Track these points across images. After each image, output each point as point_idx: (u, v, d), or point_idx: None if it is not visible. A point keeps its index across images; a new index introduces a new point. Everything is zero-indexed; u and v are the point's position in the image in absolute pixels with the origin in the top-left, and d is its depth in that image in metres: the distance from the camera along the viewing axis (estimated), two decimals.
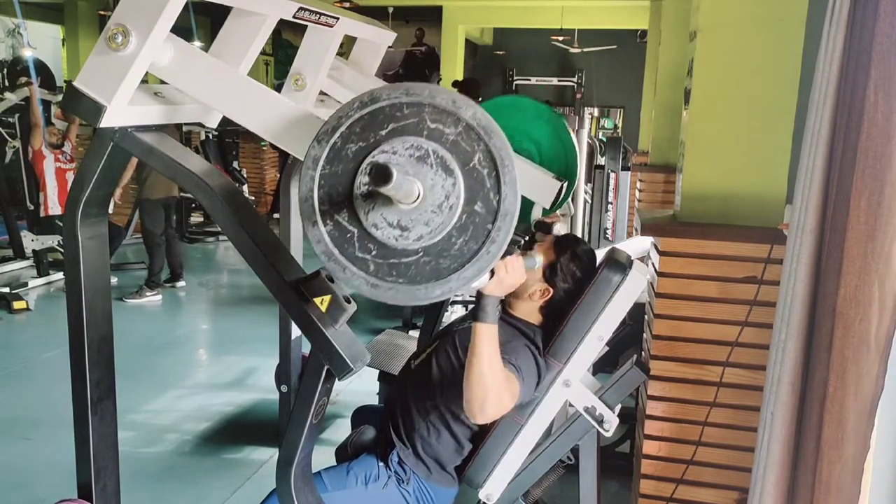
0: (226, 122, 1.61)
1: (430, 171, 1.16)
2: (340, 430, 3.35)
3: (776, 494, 1.56)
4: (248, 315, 5.71)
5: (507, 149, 1.16)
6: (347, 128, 1.20)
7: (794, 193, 1.55)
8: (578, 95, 12.51)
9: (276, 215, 8.67)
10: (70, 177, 6.22)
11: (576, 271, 1.85)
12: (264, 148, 10.38)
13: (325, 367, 1.38)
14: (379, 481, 1.86)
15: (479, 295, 1.59)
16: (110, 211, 5.42)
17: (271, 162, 10.60)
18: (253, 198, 10.02)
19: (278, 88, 2.03)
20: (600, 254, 1.94)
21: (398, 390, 1.97)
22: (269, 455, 3.36)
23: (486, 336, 1.58)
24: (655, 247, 2.30)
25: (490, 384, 1.58)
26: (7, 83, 9.14)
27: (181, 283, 6.38)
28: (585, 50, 11.32)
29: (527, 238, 2.11)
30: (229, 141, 9.45)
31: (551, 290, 1.85)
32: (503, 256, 1.25)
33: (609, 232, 5.44)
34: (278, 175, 10.19)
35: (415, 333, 3.78)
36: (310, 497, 1.58)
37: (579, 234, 4.23)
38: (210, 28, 10.34)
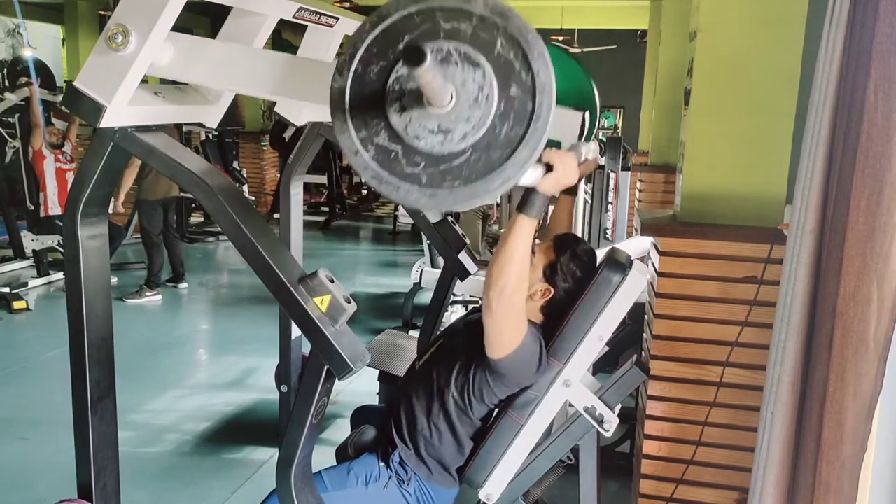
0: (226, 122, 1.61)
1: (458, 70, 1.15)
2: (340, 430, 3.35)
3: (776, 494, 1.56)
4: (248, 315, 5.71)
5: (527, 26, 1.15)
6: (365, 51, 1.19)
7: (794, 193, 1.55)
8: None
9: (276, 215, 8.67)
10: (70, 177, 6.22)
11: (576, 271, 1.85)
12: (264, 148, 10.38)
13: (325, 367, 1.38)
14: (380, 481, 1.86)
15: (531, 190, 1.56)
16: (110, 211, 5.43)
17: (271, 162, 10.60)
18: (253, 198, 10.03)
19: None
20: (600, 254, 1.94)
21: (402, 391, 1.96)
22: (269, 455, 3.36)
23: (528, 228, 1.57)
24: (655, 247, 2.30)
25: (515, 272, 1.58)
26: (7, 83, 9.15)
27: (183, 285, 6.38)
28: (585, 50, 11.31)
29: None
30: (229, 141, 9.46)
31: (552, 290, 1.85)
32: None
33: (609, 232, 5.45)
34: (278, 175, 10.19)
35: (415, 333, 3.78)
36: (310, 497, 1.58)
37: (579, 234, 4.24)
38: (210, 28, 10.34)
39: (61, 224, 5.09)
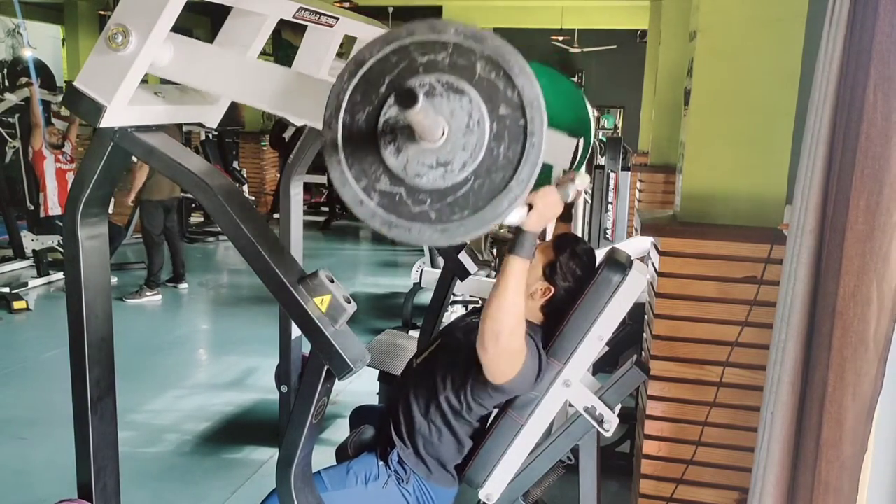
0: (226, 121, 1.61)
1: (443, 101, 1.15)
2: (340, 430, 3.35)
3: (776, 494, 1.56)
4: (248, 315, 5.71)
5: (504, 45, 1.15)
6: (349, 101, 1.20)
7: (794, 193, 1.55)
8: None
9: (276, 215, 8.67)
10: (70, 177, 6.22)
11: (576, 269, 1.85)
12: (264, 148, 10.38)
13: (325, 367, 1.38)
14: (379, 480, 1.86)
15: (518, 230, 1.58)
16: (110, 211, 5.43)
17: (271, 162, 10.60)
18: (253, 198, 10.03)
19: None
20: (600, 254, 1.94)
21: (400, 390, 1.96)
22: (269, 455, 3.36)
23: (519, 269, 1.58)
24: (655, 247, 2.30)
25: (510, 317, 1.58)
26: (7, 83, 9.14)
27: (184, 285, 6.38)
28: (585, 50, 11.31)
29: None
30: (229, 141, 9.46)
31: (552, 289, 1.85)
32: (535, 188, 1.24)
33: (609, 232, 5.45)
34: (278, 175, 10.19)
35: (415, 333, 3.78)
36: (310, 497, 1.58)
37: (579, 235, 4.24)
38: (210, 28, 10.34)
39: (61, 224, 5.10)
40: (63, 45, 10.29)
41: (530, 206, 1.53)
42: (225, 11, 1.61)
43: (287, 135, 8.60)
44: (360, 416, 2.22)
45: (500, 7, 10.16)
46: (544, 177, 2.11)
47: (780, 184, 2.16)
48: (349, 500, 1.83)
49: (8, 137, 7.04)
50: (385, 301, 6.23)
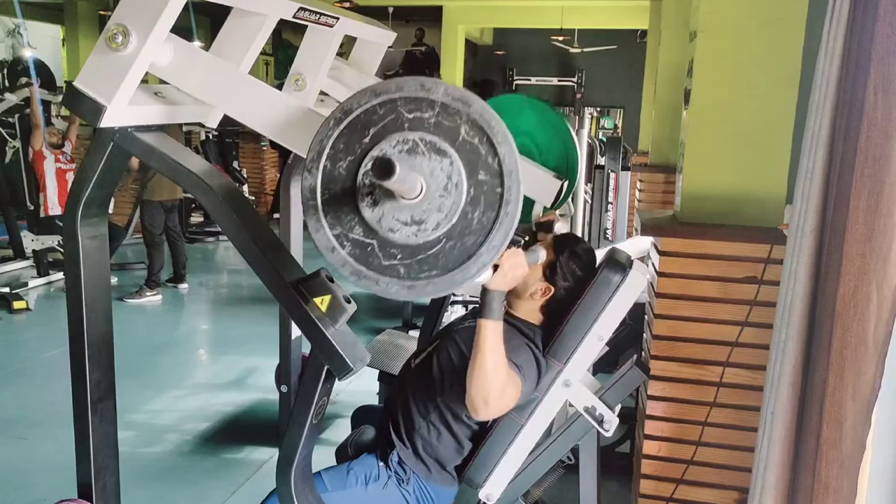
0: (226, 122, 1.61)
1: (425, 160, 1.16)
2: (340, 430, 3.35)
3: (776, 494, 1.56)
4: (248, 315, 5.71)
5: (489, 111, 1.17)
6: (331, 148, 1.21)
7: (794, 193, 1.55)
8: (578, 95, 12.51)
9: (276, 215, 8.67)
10: (70, 177, 6.22)
11: (576, 269, 1.85)
12: (264, 148, 10.38)
13: (325, 367, 1.38)
14: (379, 481, 1.86)
15: (484, 291, 1.59)
16: (110, 211, 5.43)
17: (271, 162, 10.60)
18: (253, 198, 10.02)
19: (278, 88, 2.03)
20: (600, 254, 1.94)
21: (398, 390, 1.97)
22: (269, 455, 3.37)
23: (492, 332, 1.58)
24: (655, 247, 2.30)
25: (494, 381, 1.58)
26: (7, 83, 9.14)
27: (184, 285, 6.38)
28: (585, 50, 11.32)
29: (527, 237, 2.11)
30: (229, 141, 9.45)
31: (552, 289, 1.85)
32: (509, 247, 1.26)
33: (609, 232, 5.45)
34: (278, 175, 10.19)
35: (415, 333, 3.78)
36: (310, 497, 1.58)
37: (579, 235, 4.24)
38: (210, 28, 10.34)
39: (61, 224, 5.10)
40: (63, 45, 10.30)
41: (496, 267, 1.53)
42: (225, 11, 1.61)
43: None
44: (360, 416, 2.22)
45: (500, 7, 10.16)
46: (525, 214, 2.13)
47: (780, 184, 2.16)
48: (349, 500, 1.83)
49: (8, 137, 7.04)
50: (385, 301, 6.23)
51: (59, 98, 6.70)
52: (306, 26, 1.86)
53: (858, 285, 1.37)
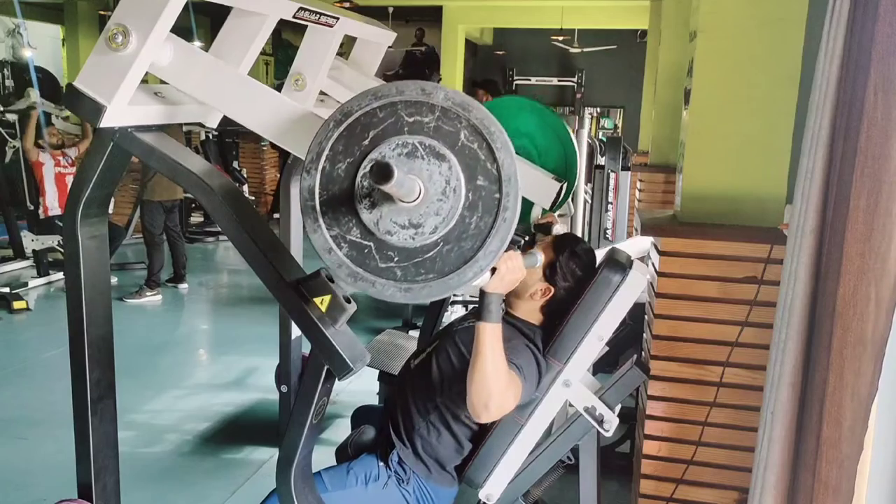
0: (226, 122, 1.61)
1: (423, 163, 1.17)
2: (340, 430, 3.35)
3: (776, 494, 1.56)
4: (248, 315, 5.71)
5: (489, 117, 1.17)
6: (331, 150, 1.21)
7: (794, 193, 1.55)
8: (578, 95, 12.51)
9: (276, 215, 8.67)
10: (71, 181, 6.22)
11: (575, 269, 1.85)
12: (264, 148, 10.37)
13: (325, 367, 1.38)
14: (379, 481, 1.86)
15: (482, 294, 1.59)
16: (110, 211, 5.43)
17: (271, 162, 10.59)
18: (253, 198, 10.01)
19: (278, 88, 2.03)
20: (600, 254, 1.94)
21: (398, 390, 1.97)
22: (269, 455, 3.36)
23: (491, 335, 1.58)
24: (655, 247, 2.30)
25: (494, 383, 1.58)
26: (14, 86, 9.11)
27: (184, 285, 6.38)
28: (585, 50, 11.31)
29: (526, 238, 2.11)
30: (229, 141, 9.45)
31: (552, 290, 1.85)
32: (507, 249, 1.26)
33: (609, 232, 5.45)
34: (278, 175, 10.19)
35: (415, 333, 3.78)
36: (310, 497, 1.58)
37: (579, 235, 4.23)
38: (210, 28, 10.34)
39: (61, 224, 5.10)
40: (63, 45, 10.29)
41: (493, 270, 1.53)
42: (225, 11, 1.61)
43: None
44: (360, 416, 2.22)
45: (500, 7, 10.16)
46: (524, 214, 2.14)
47: (780, 184, 2.16)
48: (349, 500, 1.83)
49: (8, 137, 7.04)
50: (385, 301, 6.21)
51: (65, 113, 6.72)
52: (306, 26, 1.86)
53: (858, 285, 1.37)
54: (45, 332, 5.10)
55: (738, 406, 2.16)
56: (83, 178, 1.45)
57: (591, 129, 12.31)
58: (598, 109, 12.81)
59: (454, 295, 3.52)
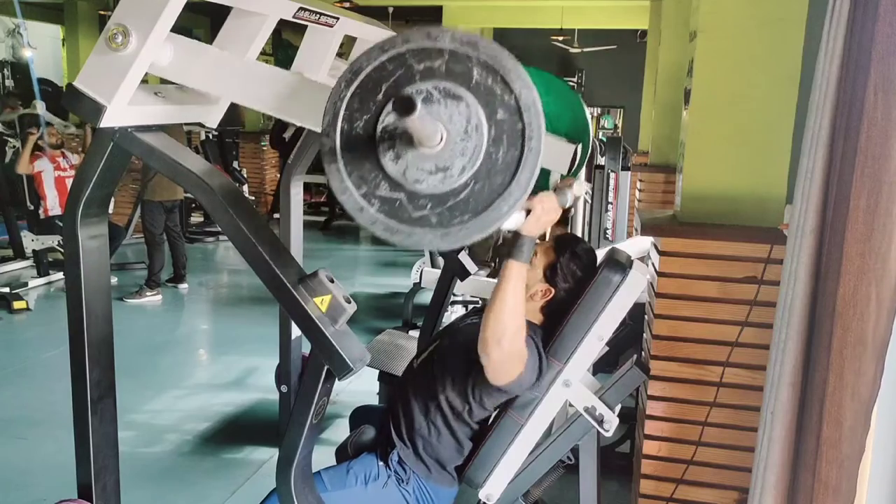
0: (226, 121, 1.61)
1: (441, 107, 1.16)
2: (340, 430, 3.35)
3: (776, 494, 1.56)
4: (248, 315, 5.71)
5: (499, 51, 1.16)
6: (346, 109, 1.20)
7: (794, 193, 1.55)
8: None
9: (276, 215, 8.67)
10: (70, 183, 6.21)
11: (576, 270, 1.85)
12: (264, 148, 10.38)
13: (325, 367, 1.38)
14: (379, 481, 1.86)
15: (516, 235, 1.60)
16: (110, 211, 5.43)
17: (271, 162, 10.60)
18: (253, 198, 10.02)
19: None
20: (600, 254, 1.94)
21: (399, 390, 1.97)
22: (269, 455, 3.37)
23: (518, 273, 1.59)
24: (655, 247, 2.30)
25: (511, 320, 1.59)
26: (16, 88, 9.10)
27: (184, 285, 6.38)
28: (585, 50, 11.31)
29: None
30: (229, 141, 9.45)
31: (552, 291, 1.85)
32: (533, 195, 1.25)
33: (609, 232, 5.45)
34: (278, 175, 10.19)
35: (415, 333, 3.78)
36: (310, 497, 1.58)
37: (579, 235, 4.23)
38: (210, 28, 10.34)
39: (61, 224, 5.10)
40: (63, 45, 10.29)
41: (528, 212, 1.55)
42: (225, 11, 1.61)
43: (287, 135, 8.60)
44: (360, 416, 2.22)
45: (500, 7, 10.16)
46: (542, 182, 2.12)
47: (780, 184, 2.16)
48: (349, 500, 1.83)
49: (8, 138, 7.04)
50: (385, 301, 6.23)
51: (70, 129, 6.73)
52: (306, 26, 1.86)
53: (858, 285, 1.37)
54: (45, 332, 5.10)
55: (738, 406, 2.16)
56: (83, 178, 1.45)
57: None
58: (598, 109, 12.81)
59: (454, 294, 3.51)
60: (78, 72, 1.34)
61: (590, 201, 5.07)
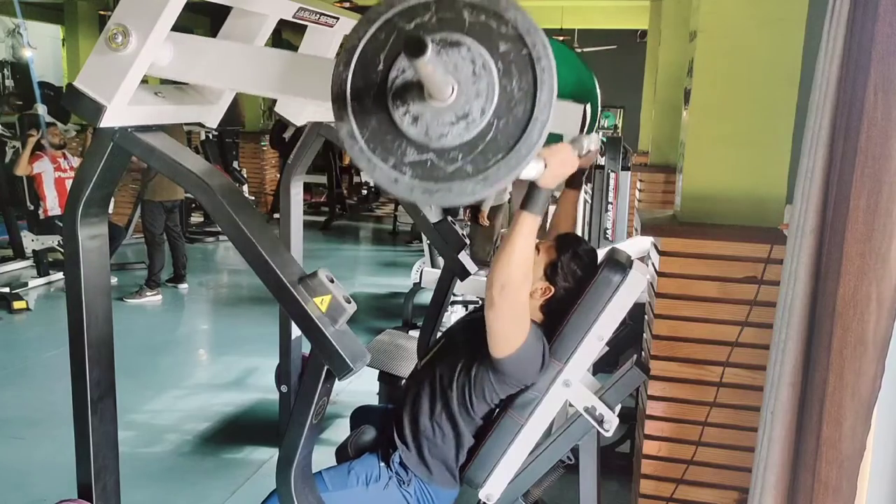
0: (226, 121, 1.61)
1: (444, 58, 1.15)
2: (340, 430, 3.35)
3: (776, 494, 1.56)
4: (248, 315, 5.71)
5: None
6: (352, 89, 1.19)
7: (794, 193, 1.55)
8: None
9: (276, 215, 8.67)
10: (70, 184, 6.21)
11: (577, 270, 1.85)
12: (264, 148, 10.38)
13: (325, 367, 1.38)
14: (380, 482, 1.86)
15: (533, 186, 1.59)
16: (110, 211, 5.43)
17: (271, 162, 10.60)
18: (253, 198, 10.02)
19: None
20: (600, 254, 1.94)
21: (405, 393, 1.96)
22: (269, 455, 3.37)
23: (530, 225, 1.59)
24: (655, 247, 2.30)
25: (517, 270, 1.60)
26: (15, 87, 9.08)
27: (184, 285, 6.38)
28: (585, 50, 11.30)
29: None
30: (229, 141, 9.45)
31: (552, 289, 1.85)
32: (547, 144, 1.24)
33: (609, 232, 5.44)
34: (278, 175, 10.19)
35: (415, 333, 3.78)
36: (310, 497, 1.58)
37: (579, 234, 4.23)
38: (210, 28, 10.33)
39: (61, 224, 5.10)
40: (63, 45, 10.29)
41: (545, 165, 1.54)
42: (225, 11, 1.61)
43: (287, 135, 8.61)
44: (360, 416, 2.22)
45: None
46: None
47: (780, 184, 2.16)
48: (350, 500, 1.83)
49: (8, 139, 7.05)
50: (385, 301, 6.23)
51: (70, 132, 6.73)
52: (306, 26, 1.86)
53: (858, 285, 1.37)
54: (45, 332, 5.11)
55: (738, 406, 2.16)
56: (83, 178, 1.45)
57: None
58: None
59: (454, 294, 3.51)
60: (78, 72, 1.34)
61: (590, 201, 5.07)
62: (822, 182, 1.44)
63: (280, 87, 1.41)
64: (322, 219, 9.90)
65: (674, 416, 2.25)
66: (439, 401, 1.85)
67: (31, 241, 6.31)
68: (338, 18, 1.87)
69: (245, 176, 9.61)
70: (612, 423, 1.83)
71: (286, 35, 11.35)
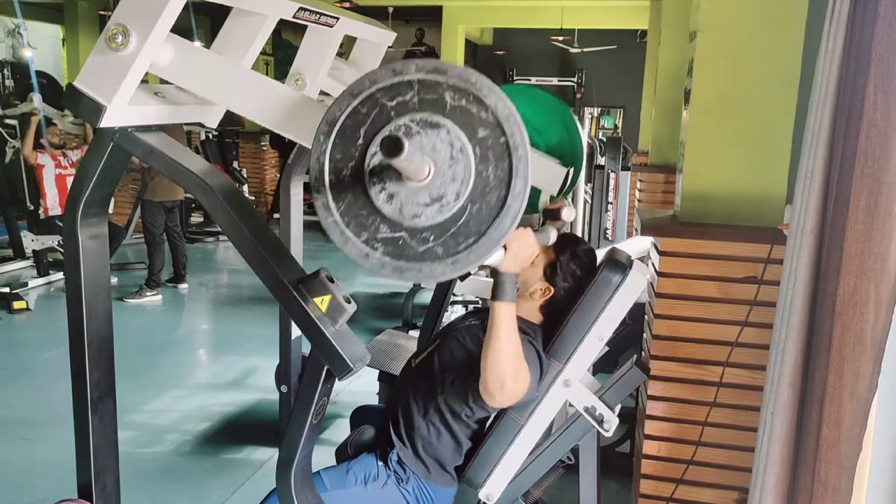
0: (226, 121, 1.61)
1: (422, 138, 1.16)
2: (340, 430, 3.35)
3: (776, 494, 1.56)
4: (248, 315, 5.71)
5: (465, 71, 1.16)
6: (329, 160, 1.21)
7: (794, 193, 1.55)
8: (578, 95, 12.51)
9: (276, 215, 8.67)
10: (71, 182, 6.21)
11: (576, 270, 1.85)
12: (264, 148, 10.38)
13: (325, 367, 1.38)
14: (378, 480, 1.86)
15: (496, 272, 1.59)
16: (110, 211, 5.43)
17: (271, 162, 10.60)
18: (253, 198, 10.02)
19: None
20: (600, 254, 1.94)
21: (399, 390, 1.97)
22: (269, 455, 3.36)
23: (506, 314, 1.59)
24: (655, 247, 2.30)
25: (509, 363, 1.59)
26: (14, 87, 9.08)
27: (184, 285, 6.38)
28: (585, 50, 11.31)
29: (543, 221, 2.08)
30: (229, 141, 9.46)
31: (552, 289, 1.85)
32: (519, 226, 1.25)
33: (609, 232, 5.45)
34: (278, 175, 10.19)
35: (415, 333, 3.78)
36: (310, 497, 1.58)
37: (579, 235, 4.23)
38: (210, 28, 10.34)
39: (61, 224, 5.10)
40: (63, 45, 10.30)
41: (505, 249, 1.54)
42: (225, 11, 1.61)
43: None
44: (359, 416, 2.22)
45: (500, 7, 10.16)
46: (533, 200, 2.12)
47: (780, 184, 2.16)
48: (349, 499, 1.83)
49: (8, 137, 7.04)
50: (385, 301, 6.23)
51: (68, 118, 6.73)
52: (306, 26, 1.86)
53: (858, 285, 1.37)
54: (45, 332, 5.11)
55: (738, 406, 2.16)
56: (83, 178, 1.45)
57: (591, 128, 12.31)
58: (598, 109, 12.81)
59: (454, 294, 3.52)
60: (78, 72, 1.34)
61: (590, 201, 5.07)
62: (822, 182, 1.44)
63: (265, 118, 1.42)
64: None
65: (674, 416, 2.25)
66: (434, 402, 1.85)
67: (31, 241, 6.31)
68: (338, 18, 1.87)
69: (245, 176, 9.61)
70: (612, 423, 1.83)
71: (286, 35, 11.36)
